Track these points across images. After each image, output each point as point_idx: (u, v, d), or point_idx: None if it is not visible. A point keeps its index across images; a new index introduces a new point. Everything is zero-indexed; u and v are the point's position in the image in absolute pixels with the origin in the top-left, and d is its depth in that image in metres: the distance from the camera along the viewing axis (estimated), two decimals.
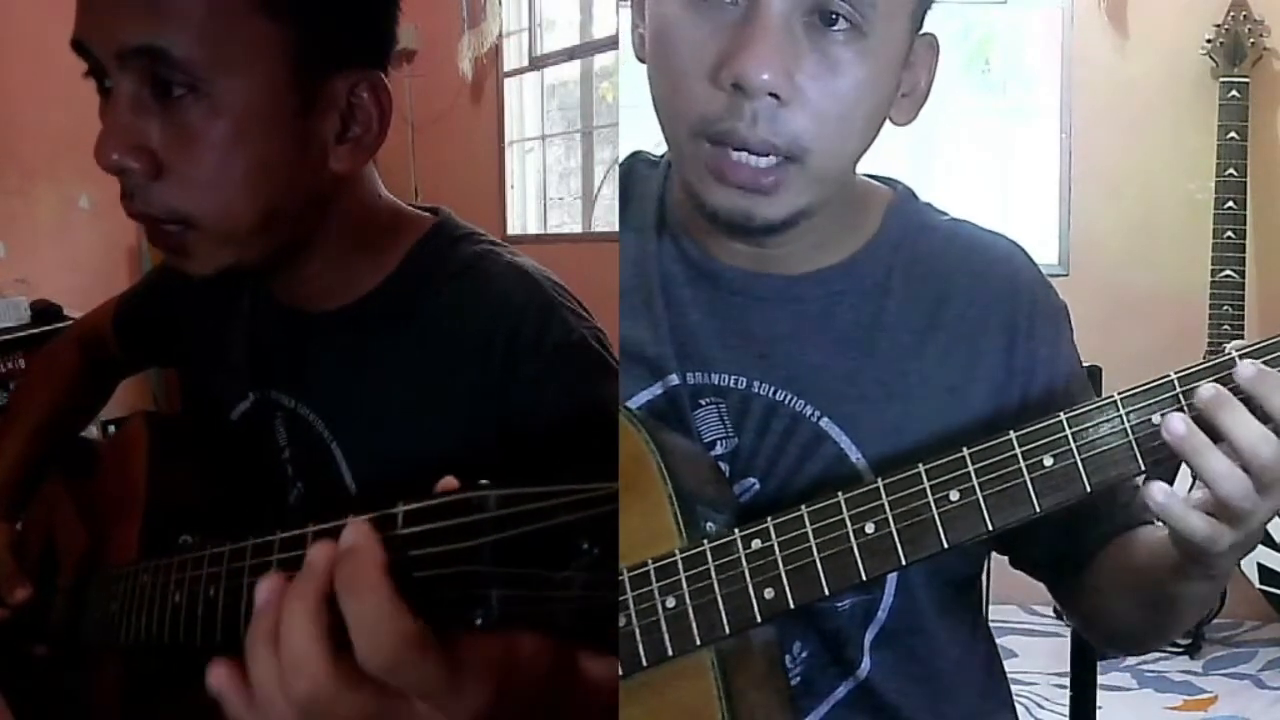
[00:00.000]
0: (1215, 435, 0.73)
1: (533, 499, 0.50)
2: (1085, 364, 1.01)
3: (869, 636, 0.92)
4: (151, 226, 0.84)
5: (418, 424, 0.90)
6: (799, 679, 0.92)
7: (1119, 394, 0.77)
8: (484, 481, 0.52)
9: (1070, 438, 0.77)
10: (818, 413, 0.90)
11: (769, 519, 0.80)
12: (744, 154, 0.81)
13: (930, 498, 0.78)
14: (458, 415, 0.88)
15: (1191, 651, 2.91)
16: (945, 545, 0.78)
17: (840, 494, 0.80)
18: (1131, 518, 0.94)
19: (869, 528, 0.79)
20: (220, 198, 0.81)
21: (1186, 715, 2.67)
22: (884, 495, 0.79)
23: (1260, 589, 2.71)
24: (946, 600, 0.94)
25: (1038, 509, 0.77)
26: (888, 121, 0.87)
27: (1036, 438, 0.77)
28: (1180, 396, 0.75)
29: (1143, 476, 0.78)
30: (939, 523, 0.78)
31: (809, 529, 0.80)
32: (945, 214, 0.98)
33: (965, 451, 0.78)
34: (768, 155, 0.81)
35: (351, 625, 0.51)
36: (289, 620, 0.52)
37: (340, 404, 0.94)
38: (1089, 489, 0.77)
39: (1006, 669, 1.04)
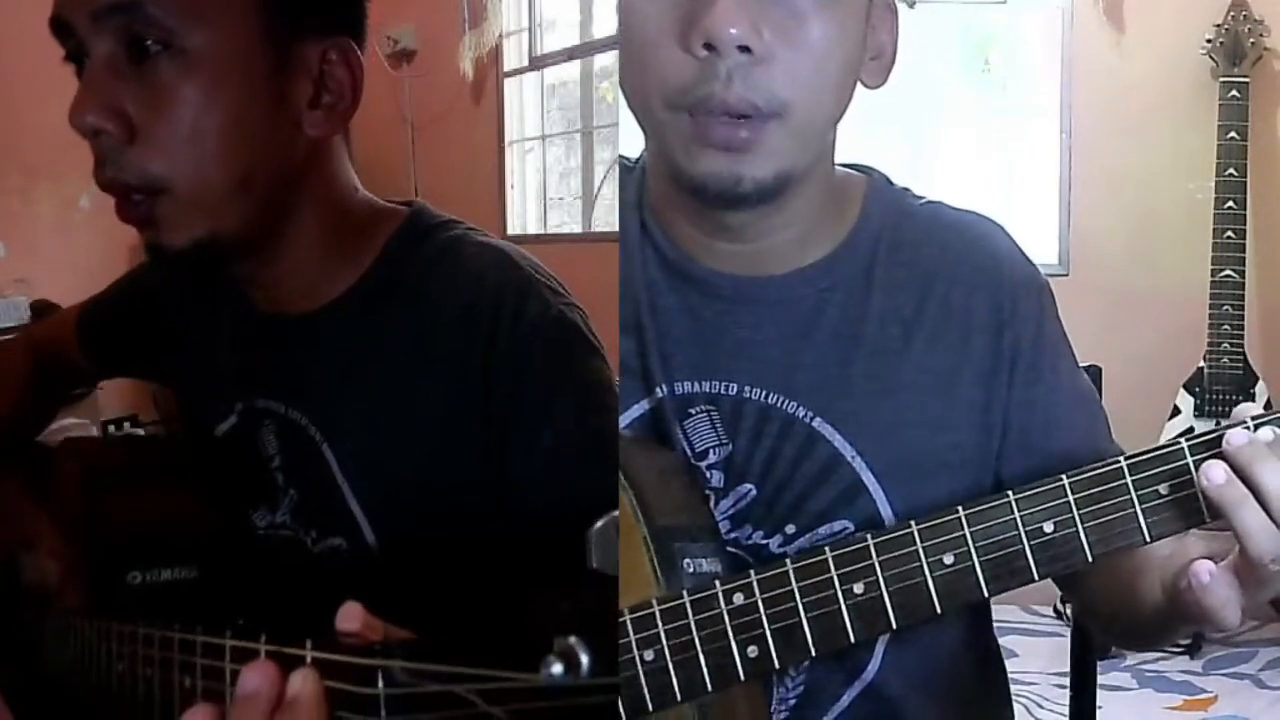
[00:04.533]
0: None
1: (442, 679, 0.46)
2: (1085, 364, 1.01)
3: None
4: (121, 198, 0.84)
5: (404, 415, 0.89)
6: (802, 688, 0.91)
7: (1125, 459, 0.74)
8: (397, 640, 0.50)
9: (1073, 504, 0.74)
10: (810, 413, 0.90)
11: (752, 573, 0.76)
12: (724, 117, 0.80)
13: (923, 560, 0.75)
14: (441, 400, 0.88)
15: (1191, 651, 2.91)
16: (939, 611, 0.75)
17: (828, 550, 0.76)
18: None
19: (858, 588, 0.75)
20: (194, 159, 0.82)
21: (1186, 715, 2.67)
22: (874, 555, 0.75)
23: None
24: None
25: (1036, 577, 0.74)
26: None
27: (1037, 502, 0.74)
28: (1191, 466, 0.72)
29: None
30: (932, 586, 0.75)
31: (795, 586, 0.76)
32: (921, 198, 0.98)
33: (961, 513, 0.75)
34: (747, 116, 0.80)
35: None
36: None
37: (330, 403, 0.93)
38: (1090, 559, 0.74)
39: (1007, 669, 1.04)
